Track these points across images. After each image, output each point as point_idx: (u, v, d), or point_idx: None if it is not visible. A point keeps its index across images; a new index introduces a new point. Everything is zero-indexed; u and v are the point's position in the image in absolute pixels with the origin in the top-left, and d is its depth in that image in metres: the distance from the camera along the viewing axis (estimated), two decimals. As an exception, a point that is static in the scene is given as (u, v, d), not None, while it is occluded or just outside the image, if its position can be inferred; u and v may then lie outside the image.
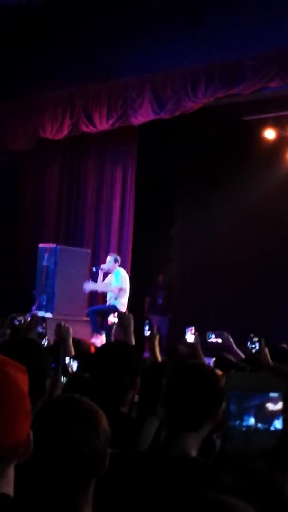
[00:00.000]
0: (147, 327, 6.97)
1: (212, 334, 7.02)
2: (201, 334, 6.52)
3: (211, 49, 11.13)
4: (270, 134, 13.56)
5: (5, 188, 14.31)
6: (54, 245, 12.88)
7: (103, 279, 12.43)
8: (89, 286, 12.43)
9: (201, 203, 14.42)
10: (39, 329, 5.49)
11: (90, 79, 12.77)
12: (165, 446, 2.79)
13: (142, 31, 11.88)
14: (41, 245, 13.00)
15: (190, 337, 6.24)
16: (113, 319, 10.84)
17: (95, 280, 12.54)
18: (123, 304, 12.04)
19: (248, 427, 1.84)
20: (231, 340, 7.07)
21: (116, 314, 10.13)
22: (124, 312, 5.31)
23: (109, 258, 12.43)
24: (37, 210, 14.59)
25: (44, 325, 5.57)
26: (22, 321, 5.90)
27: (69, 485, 2.10)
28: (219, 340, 7.12)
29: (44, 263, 12.72)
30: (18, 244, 14.54)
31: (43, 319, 5.82)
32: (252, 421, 1.85)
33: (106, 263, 12.40)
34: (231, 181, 13.97)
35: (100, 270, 12.43)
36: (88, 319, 12.24)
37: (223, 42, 10.99)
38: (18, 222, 14.65)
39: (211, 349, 7.00)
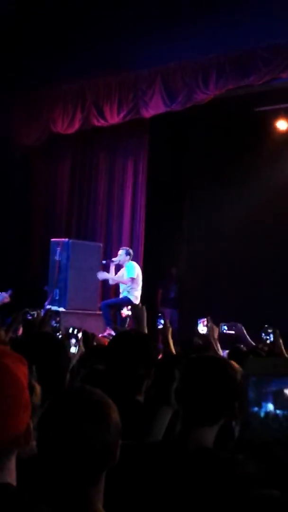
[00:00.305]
0: (161, 320, 6.97)
1: (225, 325, 6.98)
2: (215, 326, 6.48)
3: (221, 41, 11.10)
4: (282, 125, 13.48)
5: (17, 182, 14.33)
6: (66, 239, 12.85)
7: (115, 273, 12.42)
8: (103, 275, 12.42)
9: (213, 196, 14.35)
10: (53, 323, 5.47)
11: (101, 72, 12.76)
12: (180, 439, 2.75)
13: (152, 23, 11.86)
14: (53, 239, 12.98)
15: (202, 328, 6.21)
16: (126, 312, 10.83)
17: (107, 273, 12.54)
18: (136, 296, 12.02)
19: (267, 413, 1.80)
20: (245, 332, 7.03)
21: (129, 307, 10.13)
22: (137, 304, 5.28)
23: (121, 251, 12.42)
24: (49, 205, 14.60)
25: (58, 319, 5.57)
26: (35, 316, 5.88)
27: (80, 477, 2.07)
28: (233, 332, 7.08)
29: (57, 258, 12.69)
30: (31, 239, 14.55)
31: (57, 313, 5.82)
32: (270, 407, 1.80)
33: (118, 256, 12.39)
34: (243, 173, 13.91)
35: (111, 263, 12.42)
36: (101, 312, 12.22)
37: (234, 33, 10.96)
38: (30, 216, 14.66)
39: (225, 341, 6.95)
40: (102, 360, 3.94)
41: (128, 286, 12.17)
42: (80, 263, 12.50)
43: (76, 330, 4.97)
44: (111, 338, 5.64)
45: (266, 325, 6.01)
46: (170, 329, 6.27)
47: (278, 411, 1.82)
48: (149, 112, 12.39)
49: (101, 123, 13.03)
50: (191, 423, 2.76)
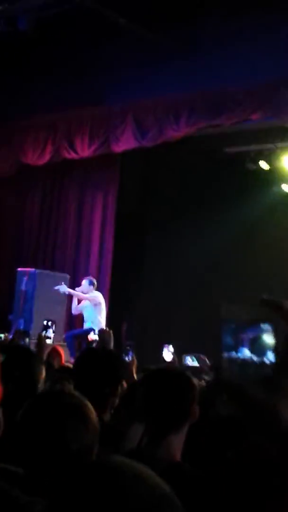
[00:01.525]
0: (130, 353, 7.03)
1: (188, 356, 7.06)
2: (178, 357, 6.57)
3: (194, 80, 11.25)
4: (251, 166, 13.68)
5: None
6: (33, 269, 12.87)
7: (78, 303, 12.46)
8: (64, 288, 12.39)
9: (178, 234, 14.46)
10: (22, 343, 5.51)
11: (73, 105, 12.85)
12: (148, 450, 2.79)
13: (127, 60, 12.00)
14: (19, 269, 12.99)
15: (167, 354, 6.28)
16: (93, 336, 10.84)
17: (69, 303, 12.57)
18: (100, 322, 12.06)
19: (244, 359, 1.89)
20: (208, 362, 7.12)
21: (96, 331, 10.15)
22: (104, 329, 5.33)
23: (84, 281, 12.47)
24: (17, 235, 14.61)
25: (26, 339, 5.60)
26: (2, 338, 5.92)
27: (58, 477, 2.10)
28: (196, 364, 7.16)
29: (23, 287, 12.69)
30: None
31: (26, 332, 5.84)
32: (247, 353, 1.89)
33: (81, 286, 12.42)
34: (210, 212, 14.02)
35: (74, 297, 12.44)
36: (66, 343, 12.20)
37: (206, 73, 11.12)
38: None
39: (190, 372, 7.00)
40: (68, 378, 3.98)
41: (91, 316, 12.20)
42: (46, 293, 12.50)
43: (50, 322, 5.13)
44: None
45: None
46: (135, 363, 6.34)
47: (254, 357, 1.91)
48: (120, 147, 12.50)
49: (72, 155, 13.11)
50: (157, 432, 2.80)
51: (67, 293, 12.48)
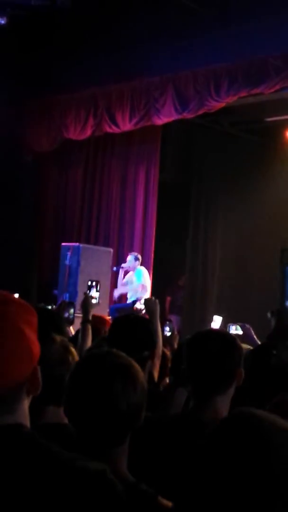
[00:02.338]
0: (167, 328, 7.04)
1: (232, 325, 7.04)
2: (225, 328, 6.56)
3: (233, 49, 11.15)
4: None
5: (28, 188, 14.45)
6: (77, 244, 12.92)
7: (123, 278, 12.51)
8: (118, 291, 12.50)
9: (222, 204, 14.41)
10: (66, 315, 5.51)
11: (113, 79, 12.83)
12: (195, 412, 2.81)
13: (165, 31, 11.93)
14: (63, 244, 13.06)
15: (234, 331, 6.24)
16: (139, 305, 10.88)
17: (116, 278, 12.63)
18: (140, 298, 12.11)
19: None
20: (253, 332, 7.09)
21: (142, 300, 10.21)
22: (150, 298, 5.31)
23: (130, 257, 12.51)
24: (60, 210, 14.70)
25: (71, 310, 5.58)
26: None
27: (106, 436, 2.16)
28: (240, 332, 7.13)
29: (67, 262, 12.74)
30: (41, 243, 14.64)
31: (71, 303, 5.81)
32: None
33: (127, 262, 12.47)
34: (252, 181, 13.95)
35: (121, 269, 12.51)
36: (110, 317, 12.25)
37: (246, 41, 11.01)
38: (41, 221, 14.75)
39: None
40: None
41: (137, 291, 12.24)
42: (90, 267, 12.54)
43: (94, 282, 5.16)
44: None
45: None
46: (177, 338, 6.35)
47: None
48: (161, 119, 12.47)
49: (113, 129, 13.11)
50: (203, 394, 2.81)
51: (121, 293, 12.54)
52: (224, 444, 1.35)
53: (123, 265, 12.55)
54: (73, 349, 2.79)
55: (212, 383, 2.82)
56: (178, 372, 3.67)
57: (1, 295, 1.73)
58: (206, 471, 1.36)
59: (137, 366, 2.29)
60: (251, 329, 7.20)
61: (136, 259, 12.46)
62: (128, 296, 12.53)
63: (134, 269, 12.41)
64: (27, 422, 1.70)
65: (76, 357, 2.75)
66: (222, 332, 3.13)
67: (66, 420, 2.47)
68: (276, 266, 13.30)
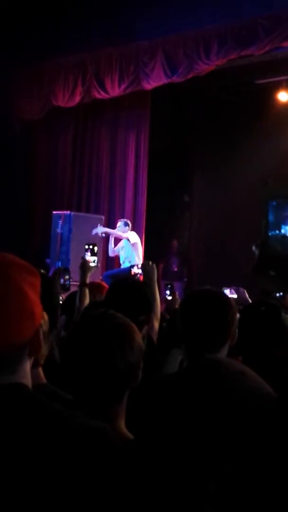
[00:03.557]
0: (168, 292, 7.03)
1: (227, 289, 7.04)
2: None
3: (222, 11, 11.07)
4: (283, 96, 13.46)
5: (18, 156, 14.36)
6: (68, 212, 12.88)
7: (115, 245, 12.48)
8: (101, 229, 12.42)
9: (215, 168, 14.38)
10: (62, 281, 5.48)
11: (101, 44, 12.72)
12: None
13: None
14: (55, 212, 13.02)
15: (228, 294, 6.23)
16: (136, 270, 10.84)
17: (106, 246, 12.59)
18: (137, 262, 12.08)
19: (285, 234, 1.90)
20: (247, 296, 7.09)
21: (139, 265, 10.20)
22: (147, 262, 5.28)
23: (120, 223, 12.48)
24: (51, 178, 14.63)
25: (66, 277, 5.55)
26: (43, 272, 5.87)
27: (104, 393, 2.18)
28: (235, 296, 7.14)
29: (58, 230, 12.73)
30: (32, 212, 14.58)
31: (66, 270, 5.77)
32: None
33: (117, 228, 12.44)
34: (244, 145, 13.91)
35: (110, 236, 12.48)
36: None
37: (235, 3, 10.93)
38: (32, 190, 14.68)
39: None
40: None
41: (129, 256, 12.23)
42: (82, 235, 12.49)
43: (91, 246, 5.15)
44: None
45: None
46: (178, 301, 6.32)
47: None
48: (150, 84, 12.38)
49: (102, 95, 13.02)
50: (197, 353, 2.80)
51: (103, 234, 12.49)
52: (185, 387, 1.39)
53: (107, 229, 12.47)
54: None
55: (206, 342, 2.81)
56: (173, 334, 3.65)
57: (4, 257, 1.71)
58: (169, 410, 1.36)
59: (133, 326, 2.30)
60: (245, 292, 7.21)
61: (126, 224, 12.43)
62: (121, 261, 12.51)
63: (116, 233, 12.39)
64: (28, 382, 1.69)
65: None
66: (216, 291, 3.10)
67: (44, 380, 2.52)
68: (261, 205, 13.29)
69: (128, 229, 12.42)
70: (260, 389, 1.35)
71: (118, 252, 12.56)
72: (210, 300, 2.92)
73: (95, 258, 5.58)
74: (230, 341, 2.91)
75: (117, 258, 12.84)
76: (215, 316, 2.85)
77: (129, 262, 12.16)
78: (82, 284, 5.12)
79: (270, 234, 9.37)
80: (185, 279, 14.45)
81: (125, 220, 12.61)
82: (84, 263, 5.41)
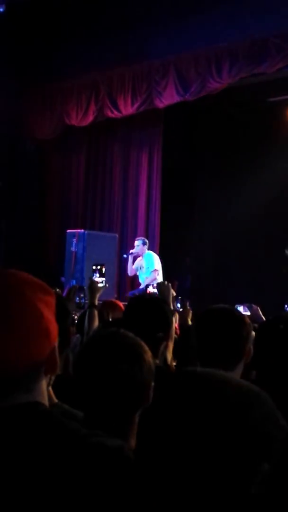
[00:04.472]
0: (178, 304, 7.03)
1: (240, 306, 7.02)
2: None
3: (234, 29, 11.10)
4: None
5: (32, 176, 14.44)
6: (82, 230, 12.91)
7: (133, 264, 12.48)
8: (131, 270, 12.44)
9: (226, 186, 14.38)
10: (77, 300, 5.48)
11: (114, 63, 12.78)
12: None
13: (164, 13, 11.88)
14: (69, 231, 13.05)
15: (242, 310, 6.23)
16: (152, 289, 10.84)
17: (125, 266, 12.60)
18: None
19: None
20: (260, 313, 7.06)
21: (155, 284, 10.20)
22: (163, 281, 5.28)
23: (137, 242, 12.44)
24: (65, 197, 14.67)
25: (81, 295, 5.55)
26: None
27: (115, 415, 2.16)
28: (248, 313, 7.11)
29: (73, 249, 12.75)
30: (46, 231, 14.63)
31: (81, 288, 5.78)
32: None
33: (135, 247, 12.42)
34: (256, 163, 13.91)
35: (130, 255, 12.47)
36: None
37: (246, 21, 10.96)
38: (45, 209, 14.74)
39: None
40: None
41: (153, 279, 12.18)
42: (96, 253, 12.52)
43: (99, 266, 5.14)
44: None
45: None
46: (190, 312, 6.31)
47: None
48: (162, 103, 12.41)
49: (115, 114, 13.07)
50: None
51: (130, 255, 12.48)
52: (173, 405, 1.34)
53: (131, 251, 12.49)
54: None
55: (221, 359, 2.80)
56: (184, 354, 3.63)
57: (19, 275, 1.72)
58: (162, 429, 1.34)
59: (144, 345, 2.29)
60: (258, 309, 7.18)
61: (144, 243, 12.39)
62: (141, 281, 12.48)
63: (142, 254, 12.35)
64: (45, 401, 1.69)
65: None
66: (231, 308, 3.10)
67: (55, 400, 2.52)
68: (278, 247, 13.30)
69: (146, 248, 12.38)
70: (248, 392, 1.35)
71: (137, 271, 12.52)
72: (225, 317, 2.91)
73: (103, 278, 5.56)
74: (245, 359, 2.90)
75: (135, 277, 12.82)
76: (230, 333, 2.84)
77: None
78: (91, 305, 5.09)
79: None
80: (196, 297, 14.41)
81: (143, 238, 12.55)
82: (92, 284, 5.37)
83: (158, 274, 12.19)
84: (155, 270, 12.15)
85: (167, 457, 1.30)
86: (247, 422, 1.28)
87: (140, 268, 12.38)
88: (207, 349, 2.85)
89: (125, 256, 12.62)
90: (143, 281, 12.37)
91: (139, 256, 12.38)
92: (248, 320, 3.01)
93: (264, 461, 1.27)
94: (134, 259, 12.47)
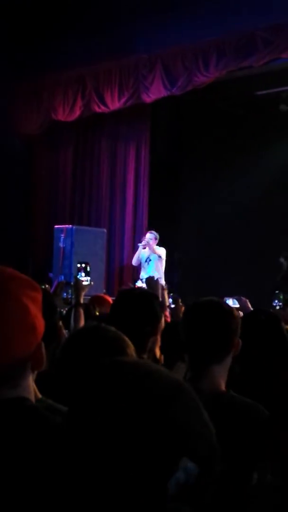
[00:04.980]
0: (170, 300, 7.02)
1: (228, 299, 7.01)
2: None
3: (221, 23, 11.09)
4: (284, 108, 13.46)
5: (19, 171, 14.37)
6: (70, 226, 12.88)
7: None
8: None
9: (214, 180, 14.37)
10: (64, 295, 5.46)
11: (100, 58, 12.74)
12: (192, 382, 2.76)
13: (151, 7, 11.85)
14: (57, 226, 13.01)
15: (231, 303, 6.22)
16: (141, 284, 10.81)
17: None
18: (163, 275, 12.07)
19: None
20: (249, 305, 7.06)
21: (144, 280, 10.14)
22: (152, 276, 5.26)
23: (151, 235, 12.23)
24: (52, 192, 14.63)
25: (69, 290, 5.52)
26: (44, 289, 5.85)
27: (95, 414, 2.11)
28: (237, 306, 7.11)
29: (61, 244, 12.72)
30: (34, 226, 14.58)
31: (69, 284, 5.75)
32: None
33: (147, 238, 12.26)
34: (244, 156, 13.92)
35: (140, 245, 12.34)
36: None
37: (233, 15, 10.94)
38: (33, 204, 14.69)
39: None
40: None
41: (156, 269, 12.13)
42: (84, 249, 12.50)
43: (83, 264, 5.10)
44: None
45: (277, 291, 6.04)
46: (183, 308, 6.30)
47: None
48: (150, 97, 12.39)
49: (102, 109, 13.03)
50: (200, 363, 2.76)
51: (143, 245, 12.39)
52: (95, 396, 1.33)
53: (143, 241, 12.31)
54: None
55: (209, 352, 2.78)
56: (171, 348, 3.60)
57: (5, 271, 1.70)
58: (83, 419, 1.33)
59: (126, 339, 2.27)
60: (247, 301, 7.18)
61: (156, 238, 12.28)
62: (150, 270, 12.32)
63: (152, 247, 12.24)
64: (31, 396, 1.67)
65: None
66: (219, 301, 3.08)
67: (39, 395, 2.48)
68: (264, 241, 13.30)
69: (156, 243, 12.32)
70: (169, 383, 1.34)
71: (140, 261, 12.43)
72: (213, 310, 2.89)
73: (88, 277, 5.51)
74: (234, 351, 2.89)
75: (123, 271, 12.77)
76: (218, 326, 2.82)
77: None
78: (76, 304, 5.05)
79: None
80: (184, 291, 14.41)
81: (155, 232, 12.45)
82: (77, 282, 5.33)
83: (162, 264, 12.20)
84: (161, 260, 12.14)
85: (86, 453, 1.29)
86: (166, 414, 1.27)
87: (147, 260, 12.28)
88: (195, 342, 2.83)
89: (139, 245, 12.43)
90: (149, 273, 12.23)
91: (146, 248, 12.26)
92: (236, 313, 2.99)
93: (183, 455, 1.26)
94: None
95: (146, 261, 12.35)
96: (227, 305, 3.09)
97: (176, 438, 1.26)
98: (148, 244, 12.21)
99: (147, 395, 1.28)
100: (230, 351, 2.84)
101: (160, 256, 12.19)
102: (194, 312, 2.93)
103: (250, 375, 3.48)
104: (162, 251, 12.26)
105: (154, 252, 12.19)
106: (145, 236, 12.43)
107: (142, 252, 12.34)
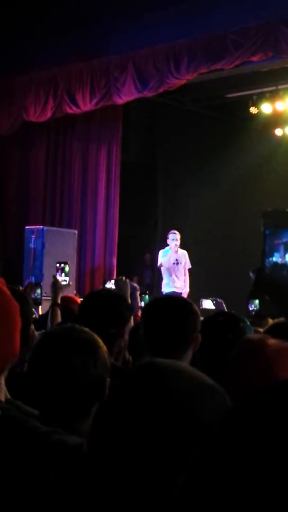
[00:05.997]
0: (142, 302, 7.04)
1: (205, 300, 7.08)
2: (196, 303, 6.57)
3: (193, 25, 11.11)
4: (253, 110, 13.56)
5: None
6: (41, 226, 12.84)
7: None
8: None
9: (185, 181, 14.43)
10: (34, 295, 5.47)
11: (72, 59, 12.70)
12: None
13: (123, 9, 11.84)
14: (27, 227, 12.97)
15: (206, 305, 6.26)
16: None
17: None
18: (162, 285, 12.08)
19: (277, 261, 1.94)
20: (224, 306, 7.13)
21: (113, 280, 10.11)
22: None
23: (176, 236, 12.20)
24: (23, 193, 14.55)
25: (38, 291, 5.54)
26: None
27: (70, 410, 2.14)
28: (212, 307, 7.17)
29: (31, 245, 12.67)
30: (5, 227, 14.50)
31: (38, 284, 5.76)
32: (278, 257, 1.95)
33: (173, 239, 12.17)
34: (215, 158, 13.99)
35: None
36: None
37: (204, 17, 10.97)
38: (4, 205, 14.60)
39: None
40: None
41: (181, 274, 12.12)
42: (55, 250, 12.47)
43: (62, 264, 5.12)
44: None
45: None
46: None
47: (286, 259, 1.97)
48: (121, 99, 12.39)
49: (74, 110, 12.99)
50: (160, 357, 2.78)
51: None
52: (130, 395, 1.35)
53: (176, 243, 12.20)
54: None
55: (168, 347, 2.80)
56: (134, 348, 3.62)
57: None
58: (114, 423, 1.35)
59: (99, 341, 2.28)
60: (223, 303, 7.26)
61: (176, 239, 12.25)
62: (173, 277, 12.23)
63: (175, 248, 12.21)
64: (2, 396, 1.68)
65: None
66: (179, 297, 3.11)
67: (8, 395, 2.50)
68: (253, 232, 13.28)
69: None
70: (202, 384, 1.36)
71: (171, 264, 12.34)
72: (172, 305, 2.92)
73: (67, 278, 5.53)
74: (193, 346, 2.91)
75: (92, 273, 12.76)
76: (177, 321, 2.85)
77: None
78: (53, 304, 5.07)
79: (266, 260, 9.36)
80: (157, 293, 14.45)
81: (178, 233, 12.35)
82: (56, 282, 5.34)
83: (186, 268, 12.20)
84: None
85: (116, 451, 1.30)
86: (195, 413, 1.28)
87: (176, 263, 12.22)
88: (155, 338, 2.86)
89: (170, 247, 12.29)
90: (179, 277, 12.18)
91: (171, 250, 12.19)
92: (195, 308, 3.02)
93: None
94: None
95: (174, 263, 12.27)
96: (187, 300, 3.11)
97: (195, 436, 1.27)
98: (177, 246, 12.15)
99: (178, 394, 1.29)
100: (190, 346, 2.87)
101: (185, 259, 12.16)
102: (153, 308, 2.96)
103: (208, 369, 3.51)
104: (186, 254, 12.24)
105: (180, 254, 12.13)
106: (168, 237, 12.30)
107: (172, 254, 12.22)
